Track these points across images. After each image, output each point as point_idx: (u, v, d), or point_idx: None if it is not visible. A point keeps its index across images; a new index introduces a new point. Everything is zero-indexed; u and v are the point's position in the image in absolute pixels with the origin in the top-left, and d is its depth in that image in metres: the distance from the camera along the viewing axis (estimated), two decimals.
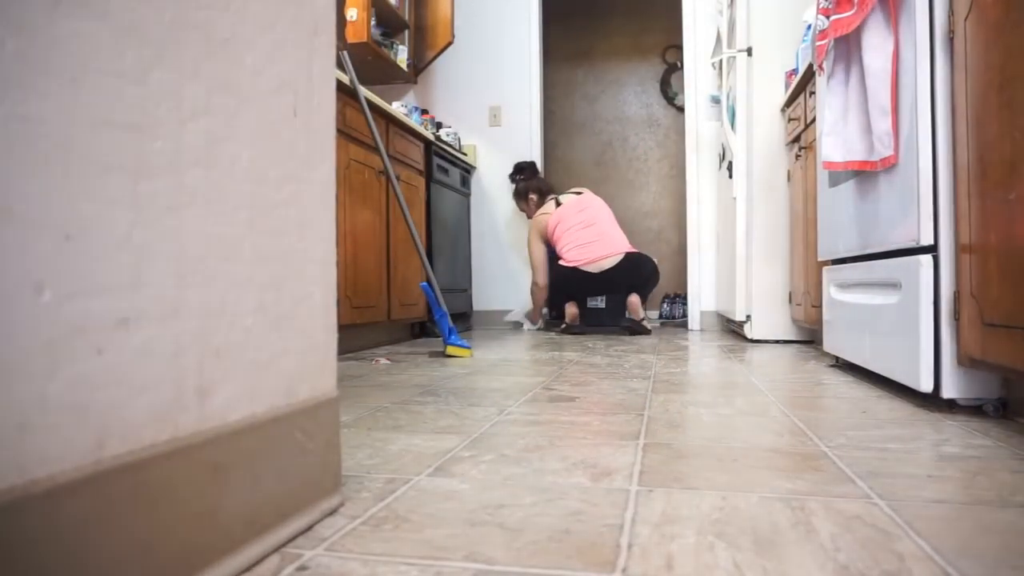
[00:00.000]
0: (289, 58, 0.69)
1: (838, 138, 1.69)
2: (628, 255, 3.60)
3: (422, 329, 3.47)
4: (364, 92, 2.42)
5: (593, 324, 3.70)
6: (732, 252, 3.18)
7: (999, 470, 0.89)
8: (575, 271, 3.59)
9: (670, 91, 5.34)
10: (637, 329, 3.54)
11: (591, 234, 3.62)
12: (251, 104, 0.63)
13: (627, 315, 3.61)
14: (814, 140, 2.20)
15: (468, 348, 2.44)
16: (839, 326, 1.92)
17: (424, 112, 3.77)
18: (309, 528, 0.68)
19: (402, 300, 3.03)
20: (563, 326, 3.71)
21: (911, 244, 1.36)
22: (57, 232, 0.43)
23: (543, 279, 3.78)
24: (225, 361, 0.59)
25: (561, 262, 3.64)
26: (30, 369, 0.41)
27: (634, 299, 3.57)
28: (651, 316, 5.13)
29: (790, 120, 2.74)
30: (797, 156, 2.62)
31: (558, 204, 3.74)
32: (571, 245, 3.60)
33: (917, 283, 1.33)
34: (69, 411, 0.44)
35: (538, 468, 0.90)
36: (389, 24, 3.85)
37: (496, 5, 4.22)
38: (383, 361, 2.29)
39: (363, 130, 2.67)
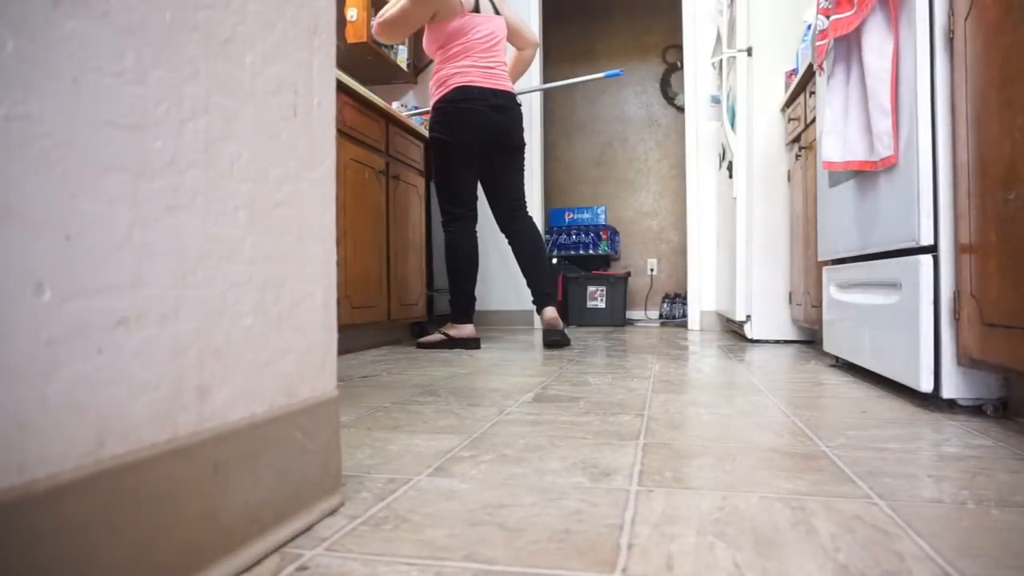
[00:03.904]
0: (289, 58, 0.69)
1: (838, 138, 1.69)
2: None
3: (422, 329, 3.46)
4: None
5: (590, 324, 3.70)
6: (732, 252, 3.18)
7: (999, 470, 0.89)
8: (475, 90, 2.47)
9: (670, 91, 5.34)
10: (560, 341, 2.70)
11: (495, 60, 2.57)
12: (251, 104, 0.63)
13: (546, 326, 2.69)
14: (814, 140, 2.20)
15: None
16: (839, 326, 1.92)
17: (424, 112, 3.76)
18: (309, 528, 0.68)
19: (402, 300, 3.03)
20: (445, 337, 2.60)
21: (911, 244, 1.36)
22: (57, 232, 0.43)
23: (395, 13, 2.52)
24: (225, 361, 0.59)
25: (447, 76, 2.48)
26: (30, 369, 0.41)
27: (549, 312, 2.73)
28: (651, 316, 5.14)
29: (790, 120, 2.74)
30: (797, 156, 2.62)
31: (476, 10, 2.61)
32: (470, 59, 2.54)
33: (917, 283, 1.33)
34: (69, 411, 0.44)
35: (538, 468, 0.90)
36: None
37: None
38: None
39: (363, 130, 2.67)
